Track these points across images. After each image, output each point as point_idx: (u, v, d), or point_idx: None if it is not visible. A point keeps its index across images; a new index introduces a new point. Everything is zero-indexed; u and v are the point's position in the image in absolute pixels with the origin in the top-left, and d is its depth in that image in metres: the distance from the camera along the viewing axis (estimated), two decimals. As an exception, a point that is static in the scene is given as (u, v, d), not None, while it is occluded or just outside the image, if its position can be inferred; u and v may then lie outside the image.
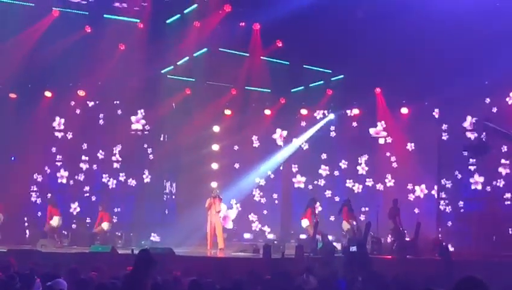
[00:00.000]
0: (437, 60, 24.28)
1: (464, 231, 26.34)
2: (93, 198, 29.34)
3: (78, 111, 29.40)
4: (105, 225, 26.46)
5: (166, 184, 30.12)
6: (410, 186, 27.93)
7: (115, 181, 29.73)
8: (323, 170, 29.75)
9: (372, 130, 28.91)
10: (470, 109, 26.44)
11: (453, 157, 26.85)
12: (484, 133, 20.91)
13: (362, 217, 27.29)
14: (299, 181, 30.14)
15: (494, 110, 25.73)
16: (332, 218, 27.45)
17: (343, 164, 29.43)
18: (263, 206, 30.36)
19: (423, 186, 27.84)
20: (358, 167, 29.19)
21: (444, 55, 23.95)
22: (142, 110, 29.45)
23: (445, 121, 27.16)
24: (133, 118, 29.49)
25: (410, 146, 27.94)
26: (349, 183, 29.24)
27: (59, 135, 29.60)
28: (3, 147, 28.08)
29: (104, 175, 29.69)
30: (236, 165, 30.25)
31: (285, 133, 30.24)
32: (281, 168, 30.49)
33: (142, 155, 29.50)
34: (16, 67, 26.19)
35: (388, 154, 28.60)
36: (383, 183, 28.64)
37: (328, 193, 29.45)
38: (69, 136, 29.53)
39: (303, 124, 30.00)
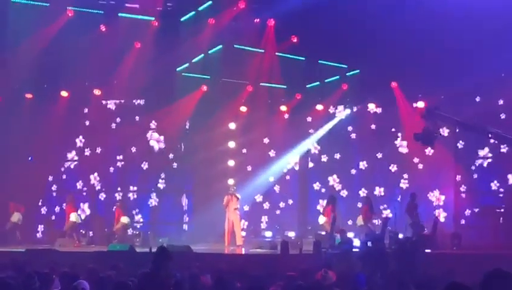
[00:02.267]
0: (453, 53, 24.16)
1: (482, 225, 26.19)
2: (110, 197, 29.43)
3: (94, 110, 29.47)
4: (124, 219, 26.54)
5: (183, 182, 30.13)
6: (427, 181, 27.77)
7: (132, 180, 29.83)
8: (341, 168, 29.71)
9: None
10: (486, 101, 26.33)
11: (470, 151, 26.74)
12: (432, 122, 21.01)
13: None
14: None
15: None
16: (350, 222, 27.36)
17: (362, 162, 29.35)
18: (280, 202, 30.30)
19: (441, 181, 27.71)
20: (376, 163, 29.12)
21: (460, 47, 23.81)
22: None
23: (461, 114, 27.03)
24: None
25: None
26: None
27: (76, 134, 29.69)
28: (20, 148, 28.20)
29: (120, 174, 29.77)
30: (251, 164, 30.22)
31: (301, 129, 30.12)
32: (297, 167, 30.47)
33: (159, 154, 29.52)
34: (32, 67, 26.27)
35: (405, 150, 28.43)
36: (401, 178, 28.52)
37: (344, 193, 29.40)
38: (86, 135, 29.63)
39: (318, 119, 29.91)
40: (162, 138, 29.52)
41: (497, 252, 21.80)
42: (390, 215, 26.42)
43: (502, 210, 25.61)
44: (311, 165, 30.46)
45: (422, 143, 21.90)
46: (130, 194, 29.72)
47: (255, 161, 30.16)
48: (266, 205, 30.24)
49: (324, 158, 30.04)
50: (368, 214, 25.22)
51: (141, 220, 29.26)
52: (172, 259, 10.99)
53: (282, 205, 30.19)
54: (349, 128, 29.59)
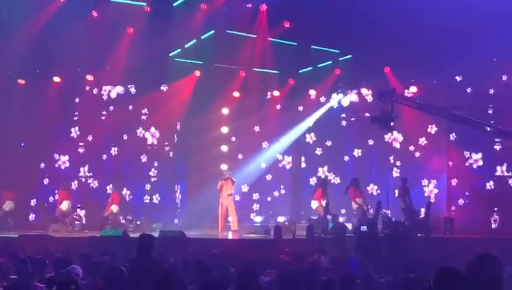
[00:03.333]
0: (445, 38, 24.15)
1: (474, 209, 26.27)
2: (104, 183, 29.43)
3: (87, 96, 29.42)
4: (114, 208, 26.58)
5: (177, 167, 30.15)
6: (420, 166, 27.83)
7: (125, 166, 29.85)
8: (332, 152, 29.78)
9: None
10: (479, 86, 26.35)
11: (464, 136, 26.76)
12: (389, 104, 21.15)
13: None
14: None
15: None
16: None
17: (356, 148, 29.43)
18: (273, 187, 30.36)
19: (433, 165, 27.77)
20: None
21: (451, 33, 23.79)
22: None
23: (455, 98, 27.04)
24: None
25: (420, 125, 27.76)
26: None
27: (69, 120, 29.64)
28: (13, 134, 28.11)
29: (114, 160, 29.77)
30: (244, 149, 30.24)
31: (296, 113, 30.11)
32: (286, 155, 30.52)
33: (152, 139, 29.51)
34: (24, 53, 26.18)
35: (398, 133, 28.46)
36: (392, 163, 28.57)
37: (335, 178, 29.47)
38: (79, 121, 29.58)
39: (312, 104, 29.92)
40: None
41: (489, 236, 21.95)
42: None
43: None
44: (304, 152, 30.47)
45: (379, 126, 21.97)
46: (125, 181, 29.71)
47: (247, 147, 30.15)
48: (258, 190, 30.26)
49: (317, 145, 30.07)
50: (355, 194, 25.14)
51: (136, 204, 29.28)
52: (154, 245, 10.93)
53: (275, 192, 30.24)
54: (342, 115, 29.61)
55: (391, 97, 21.45)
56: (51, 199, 28.86)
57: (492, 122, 23.90)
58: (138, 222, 26.71)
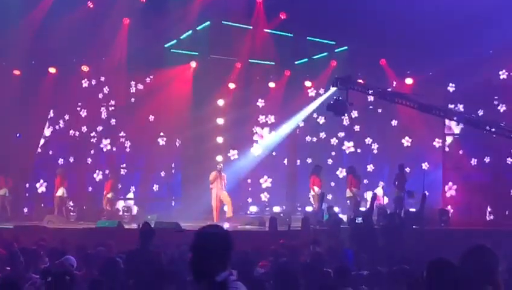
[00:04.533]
0: (442, 30, 24.14)
1: (469, 201, 26.31)
2: (99, 173, 29.44)
3: (82, 86, 29.38)
4: (109, 195, 26.63)
5: (172, 159, 30.17)
6: (415, 156, 27.87)
7: (120, 156, 29.84)
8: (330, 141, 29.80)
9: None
10: (475, 78, 26.35)
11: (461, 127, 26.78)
12: (344, 91, 21.19)
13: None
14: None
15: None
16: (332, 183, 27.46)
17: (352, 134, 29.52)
18: (268, 179, 30.38)
19: (429, 155, 27.82)
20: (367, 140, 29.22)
21: (447, 24, 23.79)
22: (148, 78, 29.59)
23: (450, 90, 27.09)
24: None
25: (415, 117, 27.74)
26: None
27: (64, 110, 29.61)
28: (8, 124, 28.04)
29: (109, 149, 29.75)
30: (239, 141, 30.31)
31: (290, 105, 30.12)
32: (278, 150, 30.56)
33: (147, 129, 29.47)
34: (20, 44, 26.13)
35: (394, 123, 28.47)
36: (389, 151, 28.66)
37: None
38: (74, 112, 29.55)
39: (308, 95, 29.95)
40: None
41: (484, 228, 21.98)
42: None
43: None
44: (298, 142, 30.52)
45: (334, 113, 21.98)
46: (120, 171, 29.72)
47: (243, 138, 30.17)
48: (253, 181, 30.28)
49: (310, 137, 30.14)
50: (353, 182, 25.16)
51: (130, 196, 29.31)
52: (154, 234, 11.02)
53: (269, 181, 30.26)
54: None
55: (347, 84, 21.41)
56: (44, 186, 28.81)
57: (462, 112, 23.86)
58: (134, 213, 26.72)
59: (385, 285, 9.92)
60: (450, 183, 27.24)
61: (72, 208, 27.17)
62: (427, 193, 24.54)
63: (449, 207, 25.60)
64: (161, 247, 12.95)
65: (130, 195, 29.43)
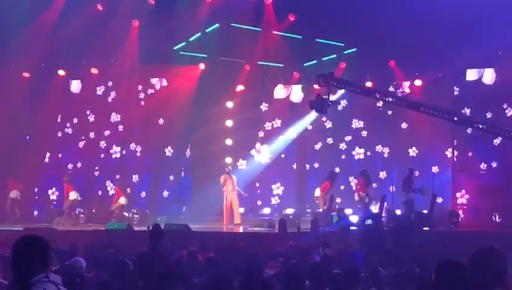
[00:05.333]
0: (451, 30, 24.08)
1: (479, 203, 26.18)
2: (109, 176, 29.51)
3: (91, 89, 29.46)
4: (122, 200, 26.61)
5: (181, 160, 30.19)
6: (425, 158, 27.77)
7: (129, 158, 29.90)
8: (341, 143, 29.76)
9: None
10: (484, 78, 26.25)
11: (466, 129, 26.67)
12: (325, 89, 21.15)
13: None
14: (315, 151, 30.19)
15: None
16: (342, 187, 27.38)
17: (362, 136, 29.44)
18: (278, 181, 30.36)
19: (438, 158, 27.71)
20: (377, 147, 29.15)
21: (456, 25, 23.73)
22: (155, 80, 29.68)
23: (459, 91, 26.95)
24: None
25: (425, 118, 27.63)
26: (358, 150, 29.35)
27: (74, 113, 29.69)
28: (18, 127, 28.14)
29: (118, 152, 29.81)
30: (248, 143, 30.33)
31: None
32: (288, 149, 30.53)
33: (157, 131, 29.50)
34: (29, 46, 26.24)
35: (403, 125, 28.37)
36: (398, 155, 28.57)
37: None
38: (84, 113, 29.64)
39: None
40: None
41: (494, 230, 21.90)
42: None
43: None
44: (308, 145, 30.45)
45: (316, 111, 21.94)
46: (129, 174, 29.77)
47: (251, 140, 30.17)
48: (263, 184, 30.27)
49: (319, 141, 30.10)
50: (363, 187, 25.11)
51: (140, 197, 29.36)
52: (164, 235, 11.07)
53: (278, 184, 30.24)
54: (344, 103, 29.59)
55: (329, 81, 21.36)
56: (54, 189, 28.88)
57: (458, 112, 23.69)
58: (144, 214, 26.77)
59: (393, 287, 9.91)
60: (460, 186, 27.07)
61: (81, 211, 27.24)
62: (437, 196, 24.49)
63: (459, 209, 25.46)
64: (170, 249, 12.98)
65: (139, 197, 29.45)
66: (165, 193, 29.61)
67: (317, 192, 25.72)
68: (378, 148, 28.99)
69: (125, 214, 26.60)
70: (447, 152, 27.56)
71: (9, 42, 25.96)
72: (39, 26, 26.09)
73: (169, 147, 29.70)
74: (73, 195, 26.42)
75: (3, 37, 25.55)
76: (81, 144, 29.75)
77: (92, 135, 29.65)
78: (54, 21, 26.04)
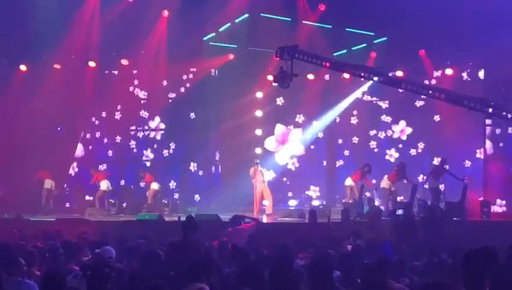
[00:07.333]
0: (482, 19, 23.82)
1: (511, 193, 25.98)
2: (139, 166, 29.72)
3: (121, 81, 29.60)
4: (154, 185, 26.76)
5: (211, 151, 30.25)
6: (456, 149, 27.56)
7: (159, 150, 30.04)
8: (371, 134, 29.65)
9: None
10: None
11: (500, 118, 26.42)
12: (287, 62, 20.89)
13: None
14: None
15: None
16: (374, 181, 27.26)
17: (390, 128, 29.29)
18: (308, 171, 30.32)
19: (470, 148, 27.53)
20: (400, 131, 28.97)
21: (487, 14, 23.48)
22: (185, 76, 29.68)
23: (491, 80, 26.67)
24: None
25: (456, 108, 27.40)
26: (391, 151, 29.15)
27: (105, 105, 29.88)
28: (49, 118, 28.30)
29: (147, 144, 29.98)
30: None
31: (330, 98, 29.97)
32: (322, 135, 30.44)
33: (186, 122, 29.59)
34: (59, 38, 26.41)
35: (435, 117, 28.17)
36: (428, 146, 28.39)
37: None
38: (114, 106, 29.83)
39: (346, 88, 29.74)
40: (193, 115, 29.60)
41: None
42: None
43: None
44: (338, 136, 30.41)
45: (278, 85, 21.73)
46: (159, 166, 29.95)
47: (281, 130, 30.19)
48: (293, 175, 30.26)
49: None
50: (392, 177, 24.95)
51: (172, 187, 29.52)
52: (198, 228, 11.13)
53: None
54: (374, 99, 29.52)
55: (293, 54, 21.15)
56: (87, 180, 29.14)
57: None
58: (174, 205, 26.90)
59: (424, 277, 9.85)
60: (491, 176, 26.85)
61: (112, 201, 27.41)
62: (467, 184, 24.28)
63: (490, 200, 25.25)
64: (200, 239, 13.01)
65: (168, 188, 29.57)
66: (196, 184, 29.68)
67: (348, 181, 25.66)
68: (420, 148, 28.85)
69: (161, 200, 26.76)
70: (478, 144, 27.35)
71: (39, 34, 26.04)
72: (76, 21, 26.32)
73: (201, 137, 29.66)
74: (104, 185, 26.62)
75: (34, 29, 25.71)
76: (112, 136, 29.93)
77: (122, 123, 29.79)
78: (89, 16, 26.24)
